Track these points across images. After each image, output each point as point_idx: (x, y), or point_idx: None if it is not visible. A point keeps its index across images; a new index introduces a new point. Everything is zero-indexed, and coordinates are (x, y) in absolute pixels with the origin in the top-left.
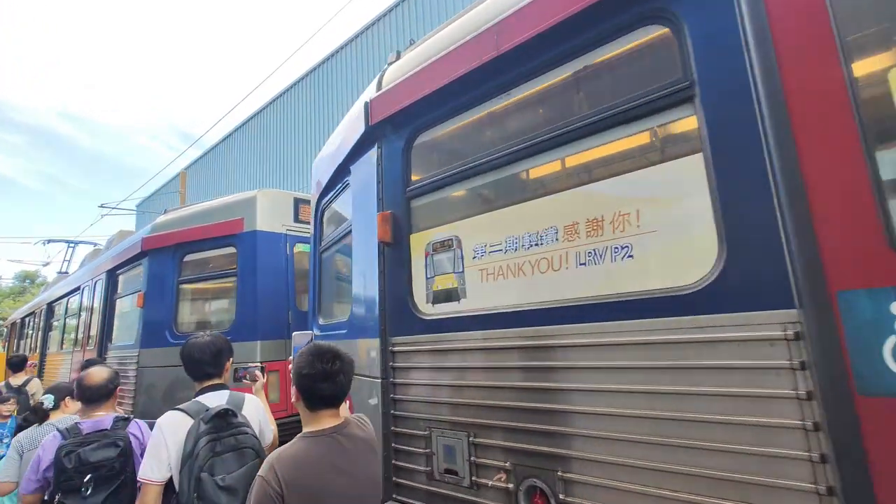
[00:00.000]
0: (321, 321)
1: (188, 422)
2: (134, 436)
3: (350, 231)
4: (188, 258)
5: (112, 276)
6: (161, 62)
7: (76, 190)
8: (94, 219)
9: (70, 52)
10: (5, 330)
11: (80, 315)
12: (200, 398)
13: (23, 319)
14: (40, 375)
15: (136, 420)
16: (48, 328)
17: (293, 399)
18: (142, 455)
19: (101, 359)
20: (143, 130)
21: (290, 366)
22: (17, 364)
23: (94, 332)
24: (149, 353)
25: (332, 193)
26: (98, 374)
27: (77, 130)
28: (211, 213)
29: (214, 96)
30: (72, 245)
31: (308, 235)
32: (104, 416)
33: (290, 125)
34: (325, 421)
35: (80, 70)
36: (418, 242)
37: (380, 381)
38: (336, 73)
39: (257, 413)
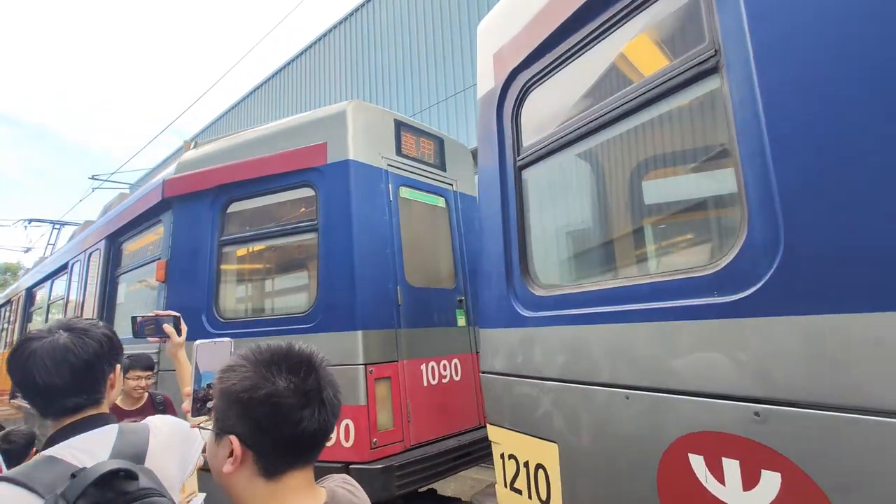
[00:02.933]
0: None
1: None
2: None
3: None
4: (236, 208)
5: (113, 243)
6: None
7: (62, 180)
8: (84, 193)
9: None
10: None
11: (67, 300)
12: (58, 449)
13: None
14: None
15: None
16: (27, 318)
17: (225, 465)
18: None
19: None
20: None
21: (218, 388)
22: None
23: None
24: None
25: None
26: None
27: (64, 124)
28: (271, 140)
29: (210, 93)
30: (57, 226)
31: (415, 178)
32: None
33: (303, 88)
34: (296, 498)
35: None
36: None
37: None
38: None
39: (175, 451)
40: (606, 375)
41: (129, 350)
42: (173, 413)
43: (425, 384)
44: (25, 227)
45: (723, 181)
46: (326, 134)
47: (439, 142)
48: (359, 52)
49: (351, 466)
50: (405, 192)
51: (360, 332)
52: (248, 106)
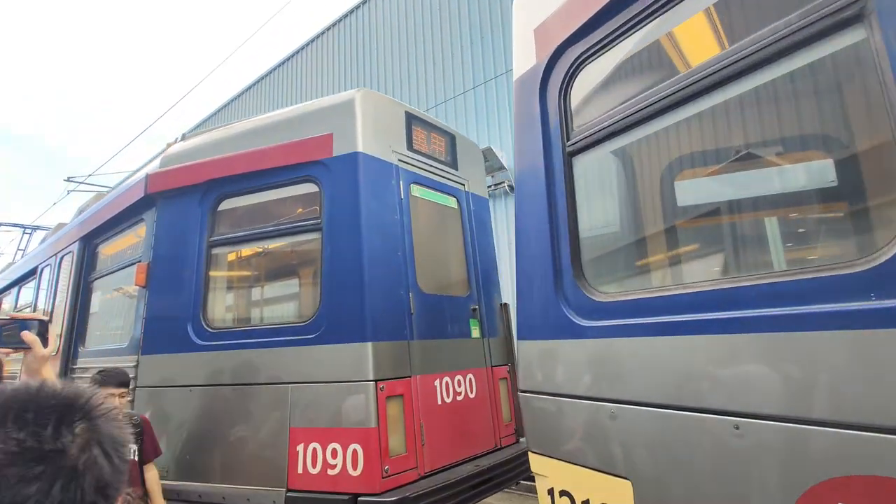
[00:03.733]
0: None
1: None
2: None
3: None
4: (228, 205)
5: (88, 245)
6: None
7: (35, 185)
8: (59, 196)
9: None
10: None
11: (35, 309)
12: None
13: None
14: None
15: None
16: None
17: None
18: None
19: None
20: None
21: None
22: None
23: (55, 330)
24: (156, 362)
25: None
26: None
27: (40, 128)
28: (269, 131)
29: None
30: (28, 231)
31: (427, 175)
32: None
33: (292, 90)
34: None
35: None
36: None
37: None
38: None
39: None
40: (705, 399)
41: (98, 363)
42: (151, 437)
43: (439, 402)
44: None
45: (874, 155)
46: (332, 124)
47: (451, 138)
48: (358, 51)
49: (360, 499)
50: (416, 191)
51: (369, 345)
52: (239, 105)
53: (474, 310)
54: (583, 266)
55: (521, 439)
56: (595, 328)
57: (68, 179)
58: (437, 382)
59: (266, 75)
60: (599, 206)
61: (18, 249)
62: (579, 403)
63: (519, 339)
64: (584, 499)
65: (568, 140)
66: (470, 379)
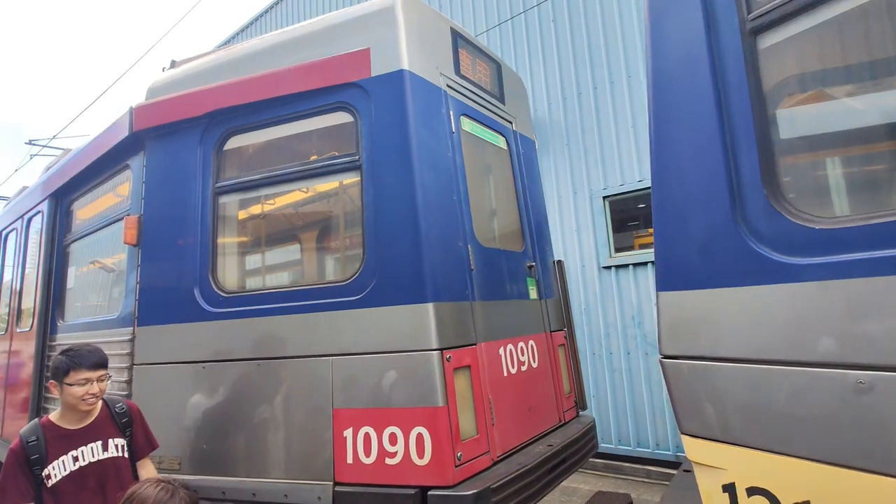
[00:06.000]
0: None
1: None
2: None
3: None
4: (236, 143)
5: (61, 202)
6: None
7: None
8: (22, 161)
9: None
10: None
11: (0, 278)
12: None
13: None
14: None
15: None
16: None
17: None
18: None
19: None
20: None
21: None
22: None
23: (28, 303)
24: (157, 335)
25: None
26: None
27: None
28: (287, 48)
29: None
30: None
31: (475, 108)
32: None
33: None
34: None
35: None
36: None
37: None
38: None
39: None
40: None
41: (83, 339)
42: (143, 427)
43: (505, 374)
44: None
45: None
46: (369, 37)
47: (497, 67)
48: None
49: (430, 493)
50: (466, 125)
51: (430, 306)
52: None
53: (531, 267)
54: (780, 179)
55: (581, 412)
56: (812, 267)
57: (30, 142)
58: (501, 350)
59: (267, 10)
60: (803, 97)
61: None
62: (797, 372)
63: (662, 290)
64: (802, 501)
65: (748, 13)
66: (532, 346)
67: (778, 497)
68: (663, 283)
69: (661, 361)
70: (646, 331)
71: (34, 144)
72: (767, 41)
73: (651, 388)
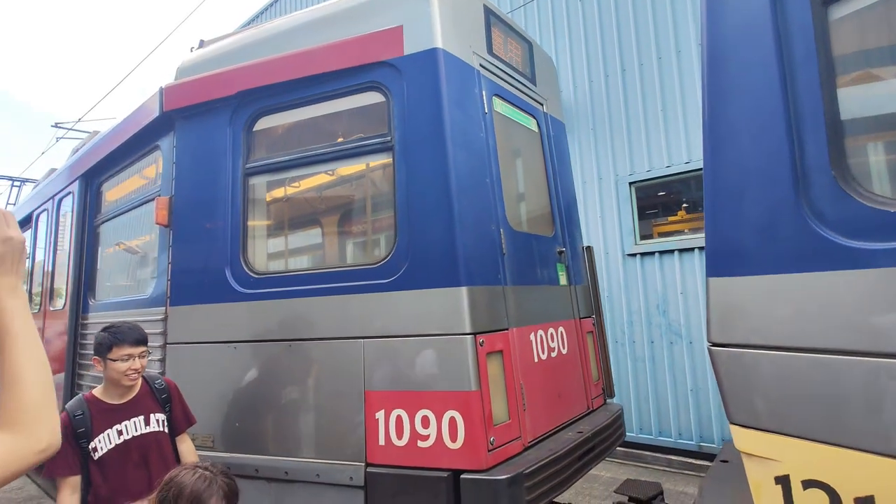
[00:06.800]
0: None
1: None
2: None
3: None
4: (266, 123)
5: (91, 183)
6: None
7: (21, 142)
8: (48, 144)
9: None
10: None
11: (33, 259)
12: None
13: None
14: None
15: None
16: None
17: None
18: None
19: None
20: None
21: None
22: None
23: (59, 283)
24: (189, 315)
25: None
26: None
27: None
28: (317, 27)
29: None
30: (17, 183)
31: (508, 88)
32: None
33: None
34: None
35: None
36: None
37: None
38: None
39: None
40: None
41: (114, 318)
42: (181, 403)
43: (536, 360)
44: None
45: None
46: (401, 14)
47: (529, 46)
48: None
49: (462, 476)
50: (498, 106)
51: (464, 290)
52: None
53: (560, 252)
54: (850, 160)
55: (609, 400)
56: (883, 252)
57: (56, 125)
58: (532, 336)
59: None
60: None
61: (8, 204)
62: (863, 363)
63: (712, 276)
64: (866, 495)
65: None
66: (562, 332)
67: (838, 491)
68: (714, 269)
69: (709, 350)
70: (671, 319)
71: (60, 127)
72: (840, 11)
73: (675, 378)
